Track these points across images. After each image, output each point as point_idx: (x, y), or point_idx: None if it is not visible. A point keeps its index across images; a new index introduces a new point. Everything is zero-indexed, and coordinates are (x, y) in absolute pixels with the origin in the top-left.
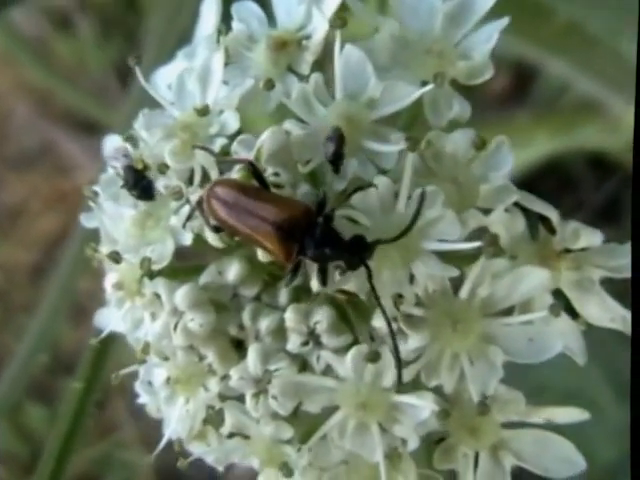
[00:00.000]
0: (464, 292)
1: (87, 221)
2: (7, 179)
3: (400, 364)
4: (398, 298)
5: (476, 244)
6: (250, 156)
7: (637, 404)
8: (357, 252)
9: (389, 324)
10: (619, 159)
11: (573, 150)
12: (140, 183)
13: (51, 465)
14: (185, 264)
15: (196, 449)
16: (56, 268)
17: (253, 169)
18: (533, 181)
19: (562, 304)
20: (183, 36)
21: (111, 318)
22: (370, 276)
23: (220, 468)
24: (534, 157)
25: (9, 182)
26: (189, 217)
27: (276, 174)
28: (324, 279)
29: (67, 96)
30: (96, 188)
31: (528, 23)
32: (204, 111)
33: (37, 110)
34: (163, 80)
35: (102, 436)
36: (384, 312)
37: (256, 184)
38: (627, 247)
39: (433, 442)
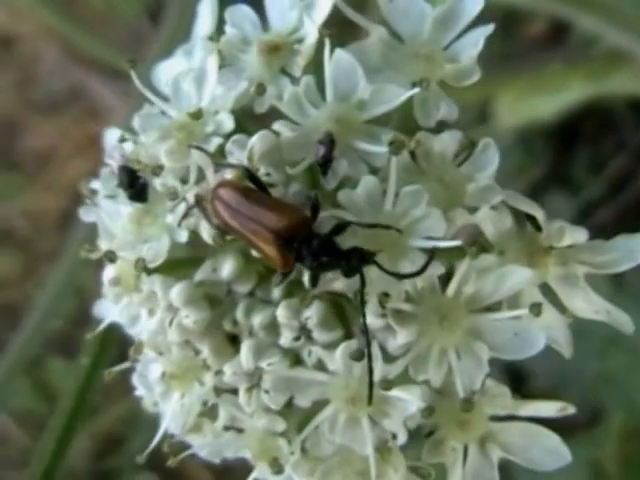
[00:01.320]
0: (451, 289)
1: (85, 216)
2: (36, 123)
3: (371, 368)
4: (384, 297)
5: (461, 242)
6: (243, 155)
7: None
8: (355, 263)
9: (366, 330)
10: None
11: (610, 95)
12: (134, 185)
13: (52, 445)
14: (183, 258)
15: (194, 442)
16: None
17: (249, 174)
18: (574, 123)
19: (549, 298)
20: None
21: (109, 311)
22: (363, 285)
23: (216, 461)
24: (571, 101)
25: (38, 126)
26: (185, 215)
27: (268, 174)
28: (315, 282)
29: (92, 46)
30: (94, 185)
31: None
32: (198, 115)
33: (66, 53)
34: (165, 75)
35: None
36: (364, 318)
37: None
38: (611, 244)
39: (423, 436)
